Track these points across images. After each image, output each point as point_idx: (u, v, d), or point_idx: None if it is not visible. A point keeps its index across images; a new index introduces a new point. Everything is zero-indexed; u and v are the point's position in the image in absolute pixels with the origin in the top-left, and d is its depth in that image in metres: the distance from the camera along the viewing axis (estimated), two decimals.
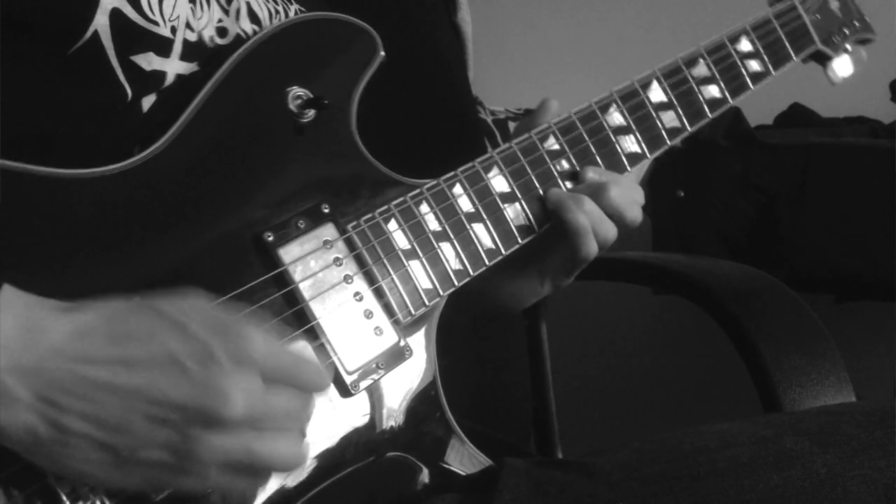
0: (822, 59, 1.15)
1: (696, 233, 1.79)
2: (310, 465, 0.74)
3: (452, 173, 0.87)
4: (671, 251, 1.78)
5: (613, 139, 0.95)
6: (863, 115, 1.96)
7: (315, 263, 0.77)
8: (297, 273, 0.76)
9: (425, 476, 0.81)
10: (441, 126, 1.21)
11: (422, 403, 0.81)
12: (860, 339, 1.88)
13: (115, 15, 0.73)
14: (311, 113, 0.80)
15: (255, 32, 0.83)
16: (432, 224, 0.84)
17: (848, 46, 1.16)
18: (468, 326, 1.03)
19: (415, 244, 0.83)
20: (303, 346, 0.75)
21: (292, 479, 0.73)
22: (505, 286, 0.98)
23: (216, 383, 0.60)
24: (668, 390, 2.12)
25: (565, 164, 0.92)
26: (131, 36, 0.74)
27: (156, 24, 0.76)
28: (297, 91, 0.80)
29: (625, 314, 2.11)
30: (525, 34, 2.18)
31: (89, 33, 0.72)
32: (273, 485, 0.72)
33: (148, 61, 0.76)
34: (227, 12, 0.83)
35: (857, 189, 1.70)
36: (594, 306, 2.02)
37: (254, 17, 0.84)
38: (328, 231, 0.79)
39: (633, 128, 0.96)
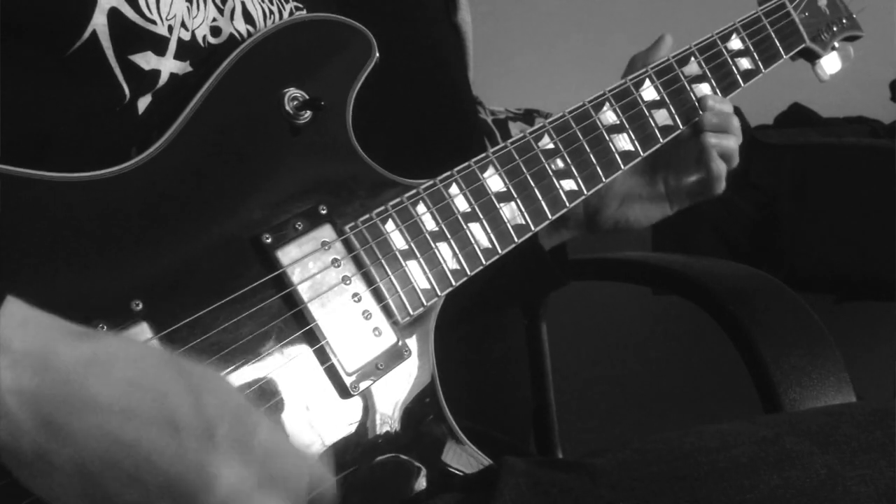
0: (811, 57, 1.16)
1: (696, 233, 1.78)
2: None
3: (448, 173, 0.87)
4: (671, 251, 1.78)
5: (607, 137, 0.96)
6: (863, 115, 1.96)
7: (313, 265, 0.77)
8: (295, 275, 0.76)
9: (425, 476, 0.80)
10: (441, 126, 1.20)
11: (421, 404, 0.81)
12: (860, 339, 1.88)
13: (114, 14, 0.73)
14: (308, 114, 0.80)
15: (248, 32, 0.83)
16: (429, 224, 0.84)
17: (836, 43, 1.17)
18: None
19: (412, 245, 0.82)
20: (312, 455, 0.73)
21: None
22: (634, 199, 1.07)
23: (204, 463, 0.56)
24: (668, 390, 2.11)
25: (560, 163, 0.93)
26: (130, 35, 0.74)
27: (153, 23, 0.76)
28: (293, 92, 0.80)
29: (625, 314, 2.10)
30: (525, 34, 2.18)
31: (87, 33, 0.72)
32: None
33: (146, 60, 0.75)
34: (221, 11, 0.82)
35: (857, 189, 1.70)
36: (594, 306, 2.02)
37: (248, 17, 0.84)
38: (326, 232, 0.79)
39: (627, 126, 0.97)
